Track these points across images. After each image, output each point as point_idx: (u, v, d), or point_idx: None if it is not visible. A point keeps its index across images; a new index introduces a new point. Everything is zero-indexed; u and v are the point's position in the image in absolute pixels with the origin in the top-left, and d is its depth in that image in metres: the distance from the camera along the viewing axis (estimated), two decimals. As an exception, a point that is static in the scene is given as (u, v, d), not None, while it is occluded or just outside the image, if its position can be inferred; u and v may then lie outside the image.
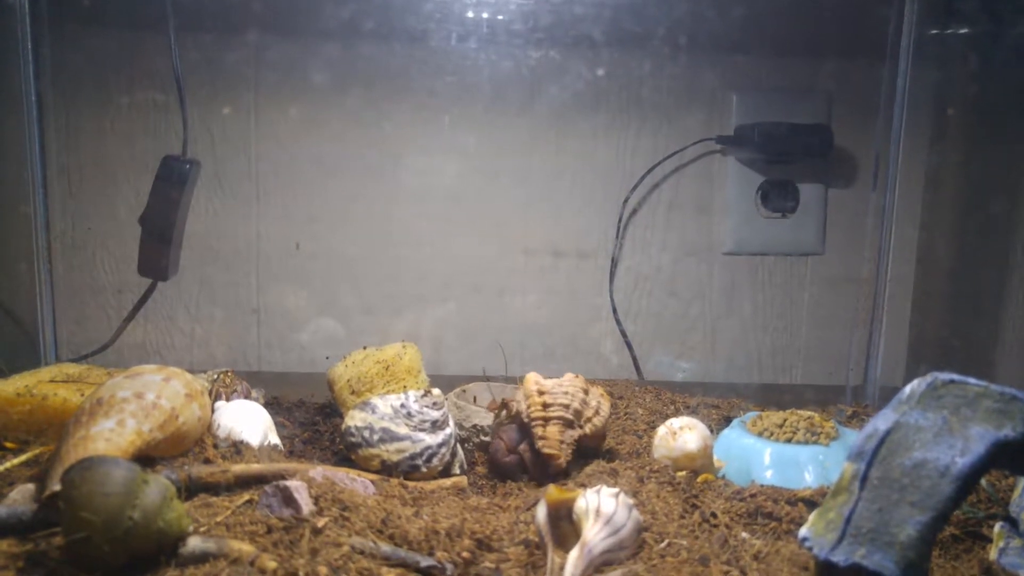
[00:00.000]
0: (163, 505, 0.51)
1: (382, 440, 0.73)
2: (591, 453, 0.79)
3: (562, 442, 0.74)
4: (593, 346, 1.19)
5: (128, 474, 0.51)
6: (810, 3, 1.12)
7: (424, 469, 0.73)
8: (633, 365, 1.18)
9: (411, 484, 0.71)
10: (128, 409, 0.64)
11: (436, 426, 0.76)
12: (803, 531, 0.51)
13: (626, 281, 1.19)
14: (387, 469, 0.73)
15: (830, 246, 1.19)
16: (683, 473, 0.72)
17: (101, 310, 1.14)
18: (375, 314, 1.16)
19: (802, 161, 1.16)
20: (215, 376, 0.84)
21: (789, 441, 0.78)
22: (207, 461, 0.67)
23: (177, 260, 1.04)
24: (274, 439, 0.77)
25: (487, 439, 0.82)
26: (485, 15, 1.08)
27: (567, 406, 0.76)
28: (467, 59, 1.11)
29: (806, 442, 0.78)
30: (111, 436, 0.61)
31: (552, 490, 0.57)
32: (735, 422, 0.85)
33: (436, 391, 0.79)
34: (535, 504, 0.60)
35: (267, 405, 0.84)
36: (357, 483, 0.66)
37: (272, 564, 0.50)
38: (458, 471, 0.77)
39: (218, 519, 0.57)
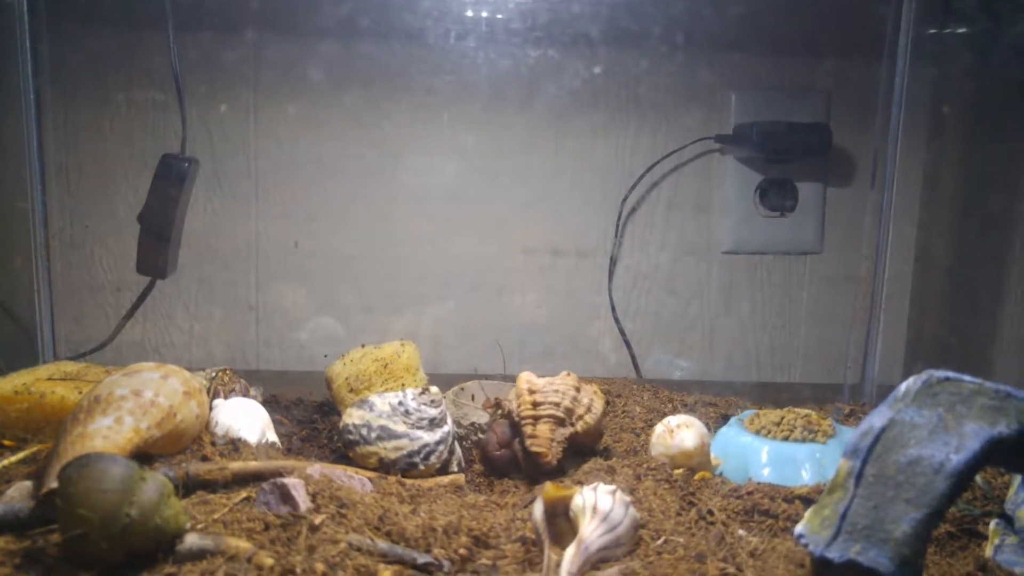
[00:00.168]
0: (160, 502, 0.51)
1: (380, 438, 0.73)
2: (587, 451, 0.79)
3: (552, 440, 0.74)
4: (592, 345, 1.19)
5: (125, 471, 0.51)
6: (808, 2, 1.12)
7: (422, 467, 0.74)
8: (632, 363, 1.18)
9: (409, 481, 0.71)
10: (126, 407, 0.64)
11: (434, 424, 0.76)
12: (799, 528, 0.51)
13: (625, 280, 1.19)
14: (385, 467, 0.73)
15: (828, 245, 1.19)
16: (680, 471, 0.73)
17: (99, 308, 1.14)
18: (374, 313, 1.16)
19: (801, 160, 1.16)
20: (213, 374, 0.84)
21: (786, 439, 0.79)
22: (205, 458, 0.67)
23: (176, 258, 1.04)
24: (272, 437, 0.77)
25: (483, 444, 0.82)
26: (484, 14, 1.08)
27: (558, 404, 0.76)
28: (466, 58, 1.11)
29: (803, 440, 0.78)
30: (109, 433, 0.61)
31: (549, 487, 0.58)
32: (732, 420, 0.85)
33: (434, 389, 0.79)
34: (532, 501, 0.61)
35: (265, 403, 0.84)
36: (354, 480, 0.66)
37: (269, 561, 0.50)
38: (456, 469, 0.77)
39: (215, 516, 0.57)
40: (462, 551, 0.55)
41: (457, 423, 0.84)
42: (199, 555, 0.51)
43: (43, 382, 0.78)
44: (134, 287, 1.10)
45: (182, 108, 1.01)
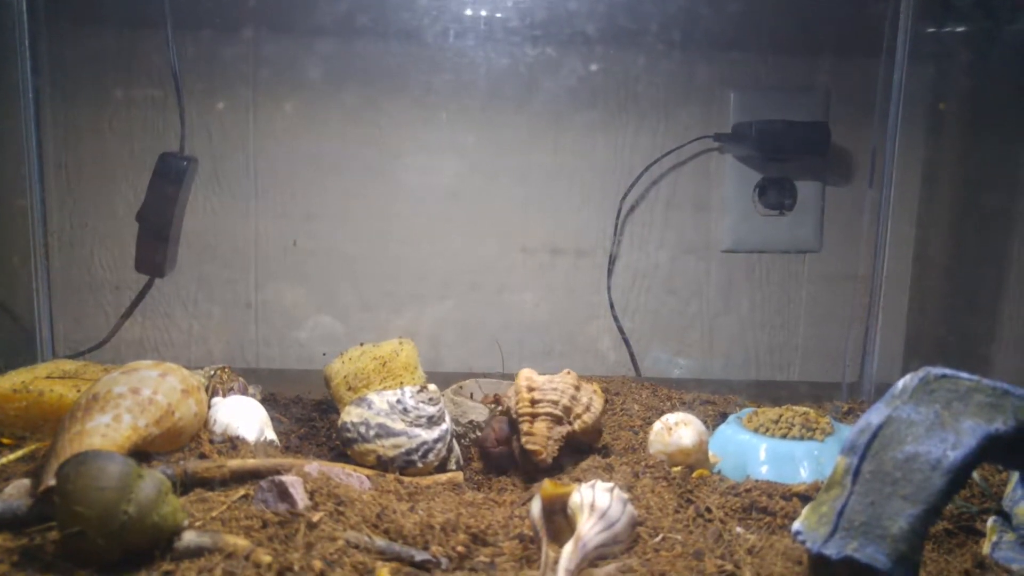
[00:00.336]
0: (158, 500, 0.51)
1: (378, 436, 0.74)
2: (587, 449, 0.79)
3: (549, 438, 0.74)
4: (591, 343, 1.19)
5: (123, 469, 0.51)
6: (807, 0, 1.12)
7: (420, 464, 0.74)
8: (631, 362, 1.18)
9: (407, 479, 0.71)
10: (124, 404, 0.64)
11: (432, 422, 0.76)
12: (796, 525, 0.51)
13: (624, 278, 1.19)
14: (383, 464, 0.73)
15: (827, 243, 1.19)
16: (678, 468, 0.73)
17: (98, 306, 1.14)
18: (373, 311, 1.16)
19: (799, 158, 1.16)
20: (212, 372, 0.84)
21: (784, 437, 0.79)
22: (203, 456, 0.67)
23: (175, 257, 1.04)
24: (270, 435, 0.77)
25: (481, 439, 0.82)
26: (483, 12, 1.08)
27: (556, 402, 0.76)
28: (464, 56, 1.11)
29: (801, 438, 0.78)
30: (107, 431, 0.61)
31: (547, 485, 0.58)
32: (731, 418, 0.85)
33: (432, 387, 0.79)
34: (530, 499, 0.61)
35: (264, 401, 0.84)
36: (353, 478, 0.66)
37: (267, 558, 0.50)
38: (454, 466, 0.77)
39: (213, 514, 0.57)
40: (460, 548, 0.55)
41: (455, 421, 0.84)
42: (197, 553, 0.51)
43: (42, 380, 0.78)
44: (133, 285, 1.10)
45: (181, 106, 1.01)
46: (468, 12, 1.09)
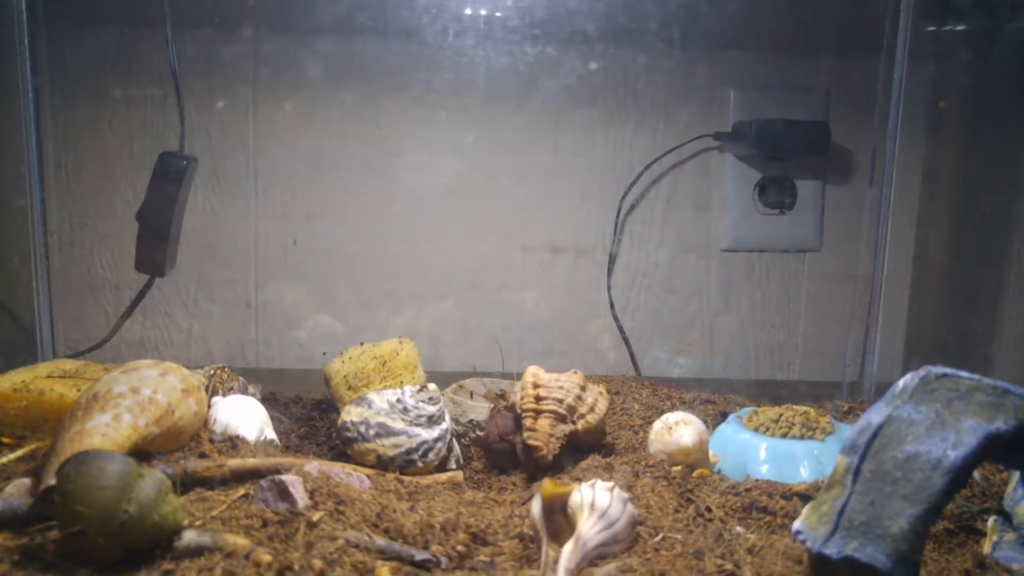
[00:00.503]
0: (158, 499, 0.51)
1: (378, 435, 0.74)
2: (588, 449, 0.79)
3: (551, 436, 0.74)
4: (591, 342, 1.19)
5: (123, 468, 0.51)
6: (807, -1, 1.12)
7: (420, 464, 0.74)
8: (631, 361, 1.18)
9: (407, 479, 0.71)
10: (124, 404, 0.64)
11: (432, 421, 0.76)
12: (796, 524, 0.51)
13: (624, 277, 1.19)
14: (383, 464, 0.73)
15: (827, 242, 1.19)
16: (678, 468, 0.73)
17: (98, 306, 1.14)
18: (373, 311, 1.16)
19: (800, 157, 1.16)
20: (212, 372, 0.84)
21: (784, 436, 0.79)
22: (203, 456, 0.67)
23: (174, 256, 1.04)
24: (270, 434, 0.77)
25: (483, 434, 0.82)
26: (482, 11, 1.08)
27: (561, 401, 0.76)
28: (464, 55, 1.11)
29: (801, 437, 0.78)
30: (107, 431, 0.61)
31: (547, 484, 0.58)
32: (731, 417, 0.85)
33: (432, 386, 0.79)
34: (530, 498, 0.61)
35: (264, 400, 0.84)
36: (353, 478, 0.66)
37: (267, 558, 0.50)
38: (454, 466, 0.77)
39: (213, 513, 0.57)
40: (460, 548, 0.55)
41: (455, 420, 0.84)
42: (197, 552, 0.51)
43: (42, 380, 0.78)
44: (133, 285, 1.10)
45: (180, 106, 1.01)
46: (468, 11, 1.09)
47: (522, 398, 0.77)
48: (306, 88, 1.11)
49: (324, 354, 1.00)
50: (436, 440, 0.75)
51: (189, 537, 0.52)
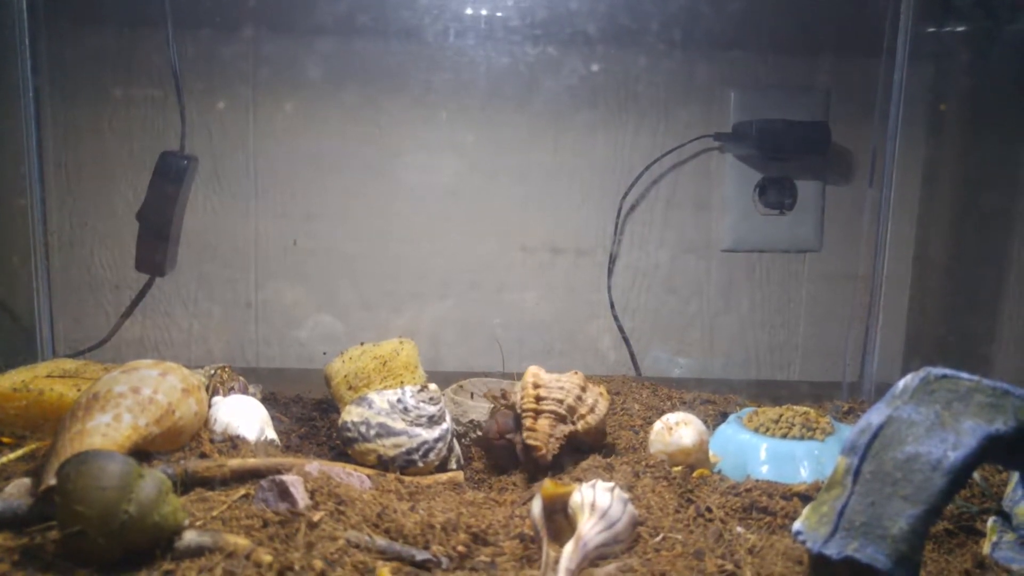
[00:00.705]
0: (159, 499, 0.51)
1: (378, 435, 0.74)
2: (588, 449, 0.79)
3: (551, 436, 0.74)
4: (591, 342, 1.19)
5: (124, 468, 0.51)
6: (808, 0, 1.12)
7: (420, 464, 0.74)
8: (631, 361, 1.18)
9: (407, 479, 0.71)
10: (124, 404, 0.64)
11: (432, 421, 0.76)
12: (797, 525, 0.51)
13: (624, 278, 1.19)
14: (383, 464, 0.73)
15: (827, 243, 1.19)
16: (679, 468, 0.73)
17: (98, 306, 1.14)
18: (373, 310, 1.16)
19: (800, 158, 1.16)
20: (212, 371, 0.84)
21: (785, 437, 0.79)
22: (203, 456, 0.67)
23: (175, 256, 1.04)
24: (270, 434, 0.77)
25: (483, 432, 0.82)
26: (483, 11, 1.08)
27: (561, 401, 0.76)
28: (464, 55, 1.11)
29: (801, 437, 0.78)
30: (107, 431, 0.61)
31: (548, 484, 0.58)
32: (731, 418, 0.85)
33: (433, 386, 0.79)
34: (531, 498, 0.61)
35: (264, 400, 0.84)
36: (353, 478, 0.66)
37: (268, 558, 0.50)
38: (454, 466, 0.77)
39: (214, 513, 0.57)
40: (460, 548, 0.55)
41: (456, 420, 0.84)
42: (197, 552, 0.51)
43: (42, 379, 0.78)
44: (133, 285, 1.10)
45: (181, 105, 1.01)
46: (468, 11, 1.09)
47: (522, 398, 0.77)
48: (306, 88, 1.11)
49: (324, 354, 1.00)
50: (437, 440, 0.75)
51: (189, 537, 0.52)
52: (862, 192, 1.15)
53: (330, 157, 1.13)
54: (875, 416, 0.52)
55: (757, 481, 0.70)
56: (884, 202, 1.07)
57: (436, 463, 0.75)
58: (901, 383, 0.53)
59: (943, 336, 1.15)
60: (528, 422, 0.75)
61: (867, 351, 1.09)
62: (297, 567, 0.50)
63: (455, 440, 0.80)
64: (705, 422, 0.78)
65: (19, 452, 0.70)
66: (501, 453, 0.78)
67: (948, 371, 0.52)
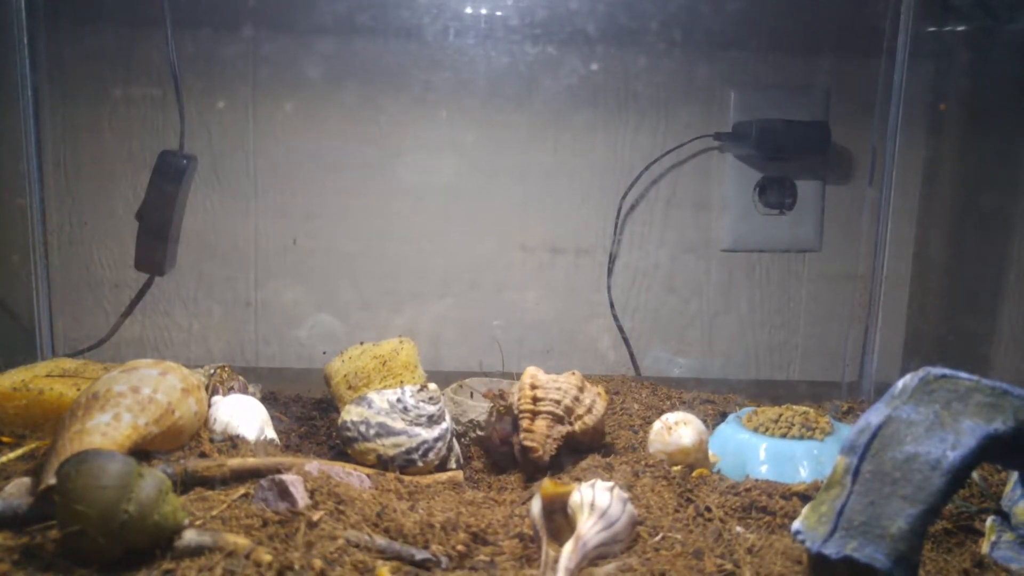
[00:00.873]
0: (159, 499, 0.51)
1: (378, 435, 0.74)
2: (586, 449, 0.79)
3: (548, 437, 0.75)
4: (591, 342, 1.19)
5: (124, 468, 0.51)
6: (808, -1, 1.12)
7: (420, 463, 0.74)
8: (630, 361, 1.18)
9: (407, 478, 0.71)
10: (124, 403, 0.64)
11: (432, 421, 0.76)
12: (796, 524, 0.51)
13: (624, 277, 1.19)
14: (383, 463, 0.73)
15: (827, 242, 1.19)
16: (678, 468, 0.73)
17: (98, 305, 1.14)
18: (373, 310, 1.16)
19: (800, 157, 1.16)
20: (212, 371, 0.84)
21: (784, 436, 0.79)
22: (203, 455, 0.67)
23: (174, 255, 1.04)
24: (270, 434, 0.77)
25: (483, 434, 0.82)
26: (483, 10, 1.08)
27: (558, 402, 0.76)
28: (464, 55, 1.11)
29: (801, 437, 0.78)
30: (107, 430, 0.61)
31: (547, 484, 0.58)
32: (730, 417, 0.86)
33: (432, 386, 0.79)
34: (530, 498, 0.61)
35: (264, 400, 0.84)
36: (353, 477, 0.66)
37: (267, 557, 0.51)
38: (454, 465, 0.77)
39: (214, 513, 0.57)
40: (460, 547, 0.55)
41: (455, 420, 0.84)
42: (197, 551, 0.51)
43: (41, 379, 0.78)
44: (133, 284, 1.10)
45: (180, 105, 1.01)
46: (468, 10, 1.08)
47: (519, 399, 0.77)
48: (306, 87, 1.11)
49: (324, 353, 1.00)
50: (436, 440, 0.75)
51: (189, 536, 0.52)
52: (862, 192, 1.15)
53: (330, 156, 1.13)
54: (874, 416, 0.52)
55: (756, 481, 0.70)
56: (884, 202, 1.07)
57: (436, 463, 0.75)
58: (900, 383, 0.53)
59: (943, 336, 1.15)
60: (525, 423, 0.75)
61: (866, 351, 1.09)
62: (297, 566, 0.50)
63: (455, 439, 0.80)
64: (704, 422, 0.78)
65: (19, 451, 0.70)
66: (504, 459, 0.78)
67: (947, 371, 0.52)
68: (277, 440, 0.77)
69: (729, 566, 0.54)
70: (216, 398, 0.78)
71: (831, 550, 0.48)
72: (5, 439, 0.73)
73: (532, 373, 0.78)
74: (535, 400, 0.76)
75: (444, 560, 0.54)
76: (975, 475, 0.70)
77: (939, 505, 0.48)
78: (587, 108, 1.14)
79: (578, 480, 0.65)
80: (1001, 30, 1.02)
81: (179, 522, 0.52)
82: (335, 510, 0.58)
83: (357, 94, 1.12)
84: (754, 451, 0.77)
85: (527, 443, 0.74)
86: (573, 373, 0.80)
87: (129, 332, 1.13)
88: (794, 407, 0.84)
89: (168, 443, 0.67)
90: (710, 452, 0.77)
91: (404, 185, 1.14)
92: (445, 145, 1.14)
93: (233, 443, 0.70)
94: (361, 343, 0.91)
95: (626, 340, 1.18)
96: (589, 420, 0.77)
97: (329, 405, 0.92)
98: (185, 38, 1.06)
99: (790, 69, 1.15)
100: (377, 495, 0.63)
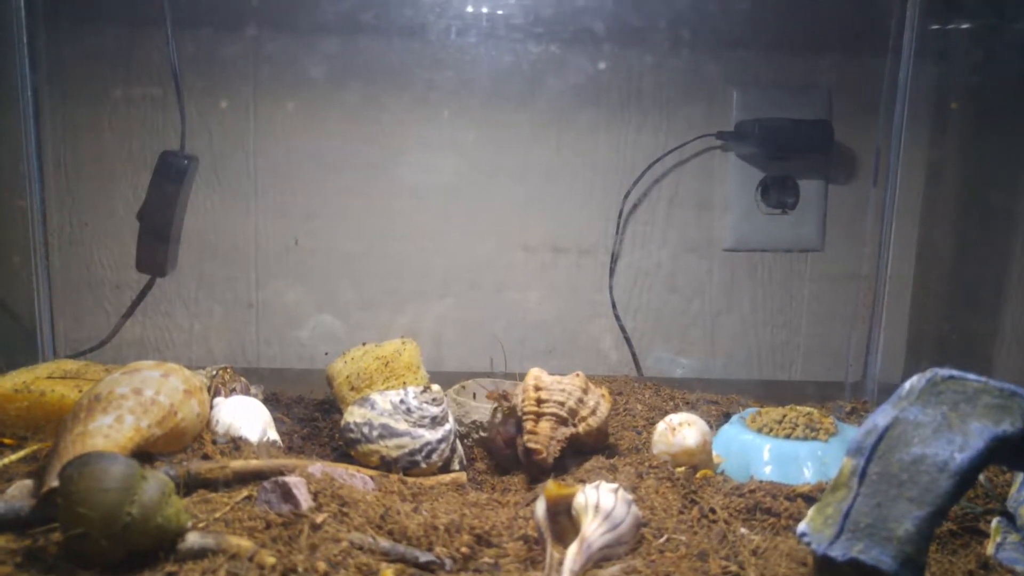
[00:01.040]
0: (161, 501, 0.51)
1: (381, 436, 0.73)
2: (590, 451, 0.79)
3: (552, 439, 0.74)
4: (593, 342, 1.19)
5: (126, 470, 0.51)
6: (811, -2, 1.12)
7: (423, 465, 0.73)
8: (633, 361, 1.18)
9: (410, 480, 0.71)
10: (126, 405, 0.64)
11: (435, 422, 0.75)
12: (801, 526, 0.51)
13: (626, 277, 1.18)
14: (386, 465, 0.73)
15: (830, 242, 1.19)
16: (682, 469, 0.72)
17: (99, 306, 1.14)
18: (374, 310, 1.16)
19: (803, 157, 1.16)
20: (214, 372, 0.84)
21: (788, 437, 0.78)
22: (206, 457, 0.67)
23: (175, 256, 1.04)
24: (273, 435, 0.76)
25: (487, 435, 0.82)
26: (485, 9, 1.08)
27: (562, 403, 0.76)
28: (466, 54, 1.10)
29: (805, 438, 0.78)
30: (109, 432, 0.61)
31: (551, 486, 0.57)
32: (734, 418, 0.85)
33: (435, 387, 0.79)
34: (534, 500, 0.60)
35: (266, 401, 0.84)
36: (356, 479, 0.66)
37: (271, 560, 0.50)
38: (457, 467, 0.77)
39: (217, 515, 0.57)
40: (464, 549, 0.55)
41: (459, 421, 0.83)
42: (200, 554, 0.51)
43: (43, 380, 0.78)
44: (134, 285, 1.10)
45: (181, 105, 1.01)
46: (471, 9, 1.08)
47: (523, 400, 0.77)
48: (307, 87, 1.11)
49: (326, 354, 1.00)
50: (440, 441, 0.75)
51: (192, 539, 0.52)
52: (865, 191, 1.14)
53: (331, 156, 1.13)
54: (881, 417, 0.51)
55: (761, 482, 0.70)
56: (888, 201, 1.07)
57: (439, 464, 0.75)
58: (907, 384, 0.52)
59: (946, 336, 1.15)
60: (529, 425, 0.75)
61: (870, 351, 1.09)
62: (300, 569, 0.50)
63: (458, 441, 0.79)
64: (708, 423, 0.77)
65: (21, 453, 0.69)
66: (509, 462, 0.78)
67: (955, 372, 0.52)
68: (280, 442, 0.77)
69: (734, 568, 0.54)
70: (218, 400, 0.78)
71: (837, 552, 0.48)
72: (7, 441, 0.73)
73: (536, 375, 0.78)
74: (539, 402, 0.76)
75: (448, 562, 0.54)
76: (981, 476, 0.70)
77: (946, 507, 0.48)
78: (589, 107, 1.14)
79: (582, 482, 0.65)
80: (1007, 28, 1.02)
81: (182, 524, 0.52)
82: (339, 512, 0.58)
83: (359, 93, 1.12)
84: (758, 452, 0.77)
85: (531, 445, 0.74)
86: (577, 374, 0.80)
87: (130, 333, 1.13)
88: (798, 408, 0.84)
89: (171, 445, 0.67)
90: (714, 453, 0.77)
91: (406, 185, 1.14)
92: (447, 144, 1.14)
93: (236, 445, 0.70)
94: (363, 344, 0.90)
95: (628, 340, 1.18)
96: (593, 422, 0.77)
97: (331, 406, 0.92)
98: (185, 38, 1.05)
99: (793, 68, 1.15)
100: (381, 497, 0.63)
